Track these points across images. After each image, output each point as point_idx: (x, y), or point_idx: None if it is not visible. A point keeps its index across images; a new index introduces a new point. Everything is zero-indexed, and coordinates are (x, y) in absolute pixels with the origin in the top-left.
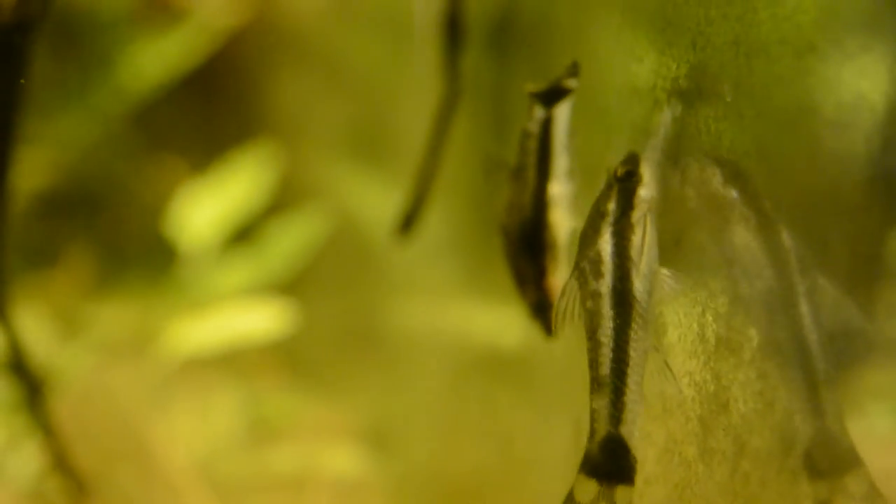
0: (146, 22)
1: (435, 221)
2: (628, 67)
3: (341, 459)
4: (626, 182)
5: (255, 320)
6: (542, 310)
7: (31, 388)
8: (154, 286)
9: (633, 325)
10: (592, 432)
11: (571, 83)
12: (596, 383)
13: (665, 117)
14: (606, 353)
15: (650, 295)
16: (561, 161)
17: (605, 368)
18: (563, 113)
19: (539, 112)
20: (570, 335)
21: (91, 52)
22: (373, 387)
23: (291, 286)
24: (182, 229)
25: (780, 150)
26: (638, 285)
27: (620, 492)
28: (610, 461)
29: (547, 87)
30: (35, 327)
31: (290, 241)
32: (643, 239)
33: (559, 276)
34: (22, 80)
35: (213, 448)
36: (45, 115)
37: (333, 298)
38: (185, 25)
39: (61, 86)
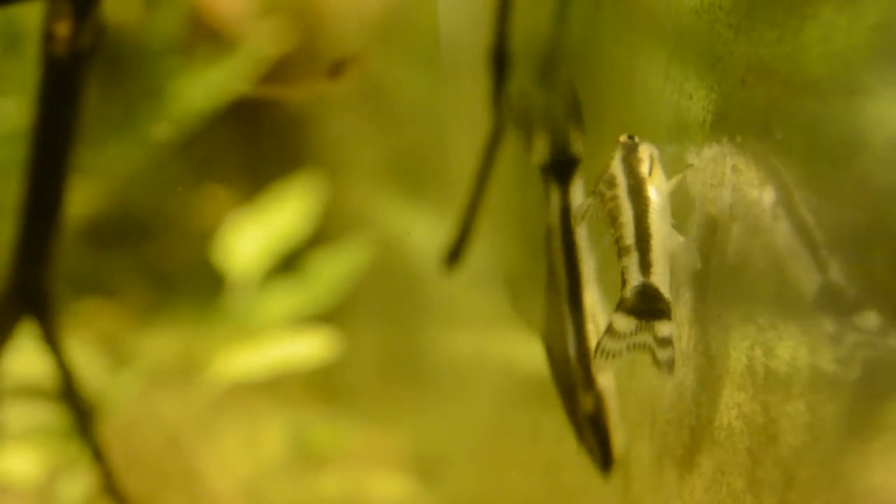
0: (193, 52)
1: (480, 251)
2: (678, 103)
3: (386, 486)
4: (630, 140)
5: (299, 348)
6: (595, 422)
7: (81, 414)
8: (200, 314)
9: (650, 211)
10: (624, 283)
11: (577, 145)
12: (622, 250)
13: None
14: (629, 229)
15: (665, 199)
16: (589, 262)
17: (630, 239)
18: (579, 193)
19: (555, 198)
20: (618, 370)
21: (139, 82)
22: (418, 415)
23: (336, 315)
24: (228, 259)
25: (830, 185)
26: (652, 193)
27: (660, 324)
28: (644, 302)
29: (552, 155)
30: (84, 355)
31: (334, 270)
32: (651, 170)
33: (609, 379)
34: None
35: (259, 474)
36: (94, 145)
37: (378, 327)
38: (232, 55)
39: (110, 115)
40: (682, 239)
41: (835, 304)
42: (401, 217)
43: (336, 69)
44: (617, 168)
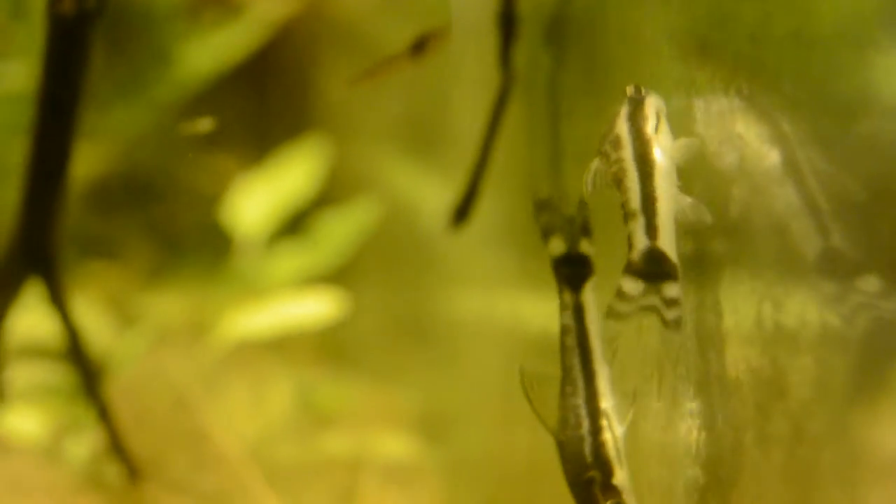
0: (201, 15)
1: (487, 211)
2: (686, 59)
3: (393, 445)
4: (636, 94)
5: (306, 308)
6: None
7: (87, 373)
8: (208, 275)
9: (656, 175)
10: (631, 246)
11: (588, 248)
12: (627, 214)
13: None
14: (635, 193)
15: (671, 161)
16: (603, 371)
17: (635, 203)
18: (591, 300)
19: (568, 297)
20: (622, 327)
21: (147, 45)
22: (424, 375)
23: (343, 275)
24: (235, 220)
25: (837, 143)
26: (657, 155)
27: (667, 285)
28: (651, 265)
29: (567, 251)
30: (91, 315)
31: (341, 231)
32: (657, 128)
33: (625, 475)
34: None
35: (265, 433)
36: (101, 107)
37: (385, 287)
38: (239, 18)
39: (117, 78)
40: (689, 199)
41: (837, 268)
42: (408, 178)
43: (419, 46)
44: (622, 127)
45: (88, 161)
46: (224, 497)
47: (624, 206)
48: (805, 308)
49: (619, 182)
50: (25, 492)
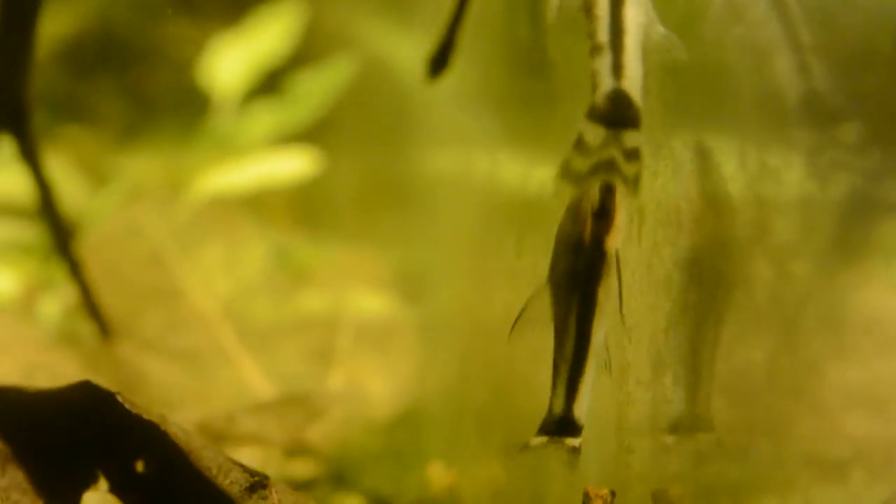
0: None
1: (464, 69)
2: None
3: (369, 303)
4: None
5: (281, 167)
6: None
7: (61, 231)
8: (183, 135)
9: (628, 3)
10: (595, 87)
11: None
12: (594, 49)
13: None
14: (604, 23)
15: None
16: None
17: (603, 35)
18: None
19: None
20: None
21: None
22: (401, 233)
23: (319, 134)
24: (211, 80)
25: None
26: None
27: (628, 135)
28: (615, 109)
29: None
30: (65, 176)
31: (316, 89)
32: None
33: None
34: None
35: (240, 291)
36: None
37: (362, 146)
38: None
39: None
40: (662, 31)
41: (817, 112)
42: (384, 36)
43: None
44: None
45: (62, 20)
46: (198, 355)
47: (591, 37)
48: (786, 154)
49: (587, 9)
50: None
